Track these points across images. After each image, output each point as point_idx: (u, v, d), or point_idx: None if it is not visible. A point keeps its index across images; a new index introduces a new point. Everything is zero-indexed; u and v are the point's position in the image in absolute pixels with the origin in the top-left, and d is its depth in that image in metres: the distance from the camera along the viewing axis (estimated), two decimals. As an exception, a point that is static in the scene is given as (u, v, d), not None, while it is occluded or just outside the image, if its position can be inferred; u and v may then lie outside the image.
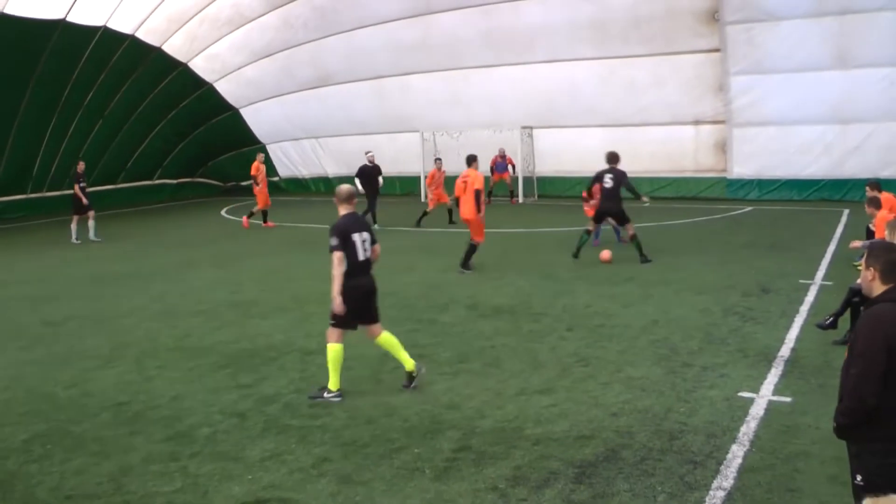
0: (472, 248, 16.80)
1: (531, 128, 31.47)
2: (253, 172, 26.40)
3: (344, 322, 9.32)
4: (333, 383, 9.19)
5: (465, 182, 16.55)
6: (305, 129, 36.86)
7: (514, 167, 30.97)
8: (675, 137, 28.87)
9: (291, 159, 38.30)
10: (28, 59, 27.97)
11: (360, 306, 9.36)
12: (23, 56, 27.57)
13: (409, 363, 9.42)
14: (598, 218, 17.90)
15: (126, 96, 33.22)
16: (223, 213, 31.61)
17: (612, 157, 17.81)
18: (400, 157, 34.48)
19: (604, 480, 6.78)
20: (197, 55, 33.78)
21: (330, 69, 34.00)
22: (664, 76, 28.47)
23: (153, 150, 37.63)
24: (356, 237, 9.29)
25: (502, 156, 30.51)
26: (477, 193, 16.30)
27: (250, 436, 8.14)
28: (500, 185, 30.94)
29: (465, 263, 16.72)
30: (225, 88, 36.06)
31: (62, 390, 9.88)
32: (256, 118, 37.65)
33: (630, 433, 7.76)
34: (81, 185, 24.13)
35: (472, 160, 16.73)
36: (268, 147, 38.77)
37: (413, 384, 9.35)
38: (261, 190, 25.94)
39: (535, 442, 7.64)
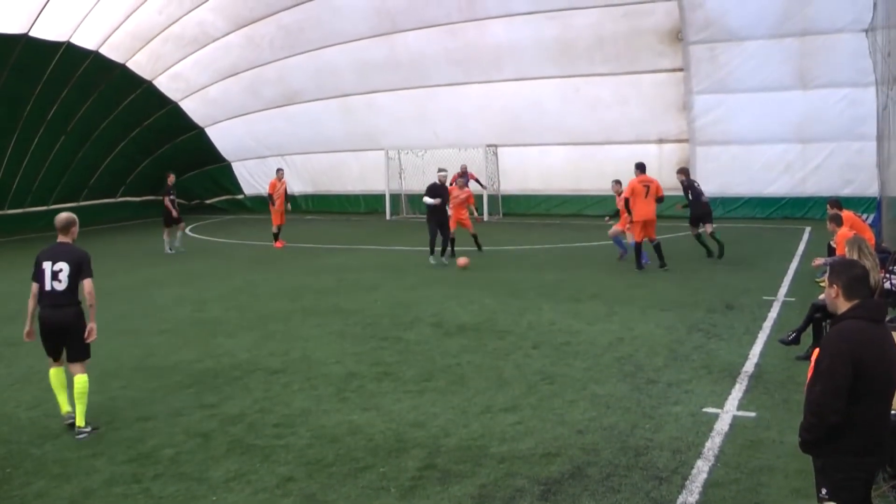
0: (658, 246, 18.28)
1: (496, 146, 31.51)
2: (269, 191, 25.82)
3: (45, 349, 9.16)
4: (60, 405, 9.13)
5: (646, 188, 18.65)
6: (271, 146, 36.70)
7: (480, 182, 30.95)
8: (638, 155, 28.89)
9: (257, 177, 38.07)
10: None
11: (46, 340, 9.07)
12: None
13: (80, 420, 8.89)
14: (697, 221, 19.81)
15: (89, 113, 32.86)
16: (187, 231, 31.37)
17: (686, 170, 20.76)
18: (366, 175, 34.53)
19: (570, 497, 6.77)
20: (161, 73, 33.55)
21: (296, 87, 33.91)
22: (628, 95, 28.65)
23: (117, 168, 37.24)
24: (46, 265, 8.95)
25: (463, 173, 30.46)
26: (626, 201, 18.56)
27: (214, 456, 8.06)
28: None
29: (663, 262, 18.17)
30: (190, 107, 35.84)
31: (23, 412, 9.73)
32: (222, 136, 37.44)
33: (596, 450, 7.76)
34: (171, 197, 24.49)
35: (640, 168, 19.24)
36: (233, 165, 38.60)
37: (77, 433, 8.85)
38: (276, 208, 25.32)
39: (501, 460, 7.61)
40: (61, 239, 9.20)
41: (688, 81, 27.74)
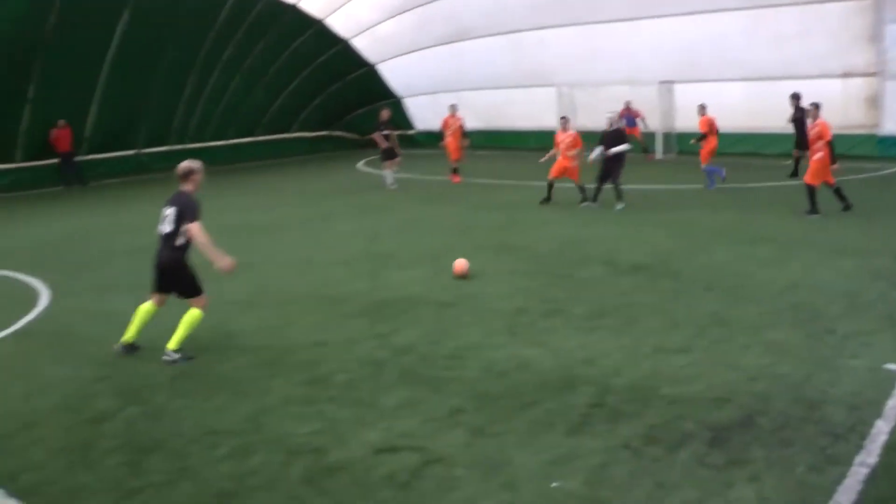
0: (839, 189, 17.42)
1: (671, 82, 30.61)
2: (442, 126, 26.10)
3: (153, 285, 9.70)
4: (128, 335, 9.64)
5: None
6: (441, 83, 36.84)
7: (644, 121, 30.44)
8: (821, 91, 27.48)
9: (426, 113, 38.41)
10: (168, 19, 28.80)
11: (155, 276, 9.63)
12: (161, 16, 28.41)
13: (173, 343, 9.39)
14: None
15: (263, 53, 33.93)
16: (359, 166, 32.05)
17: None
18: (536, 111, 34.26)
19: (739, 446, 6.61)
20: (332, 13, 34.12)
21: (466, 24, 33.85)
22: (811, 26, 26.94)
23: (290, 105, 38.37)
24: (164, 210, 9.47)
25: (629, 109, 29.84)
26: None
27: (385, 384, 8.30)
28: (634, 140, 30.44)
29: (847, 203, 17.32)
30: (361, 44, 36.38)
31: (204, 332, 10.24)
32: (392, 73, 37.90)
33: (767, 399, 7.53)
34: (384, 132, 24.59)
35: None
36: (404, 101, 39.05)
37: (165, 354, 9.36)
38: (448, 143, 25.63)
39: (671, 402, 7.52)
40: (181, 187, 9.65)
41: (878, 9, 25.95)
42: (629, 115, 29.78)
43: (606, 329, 9.86)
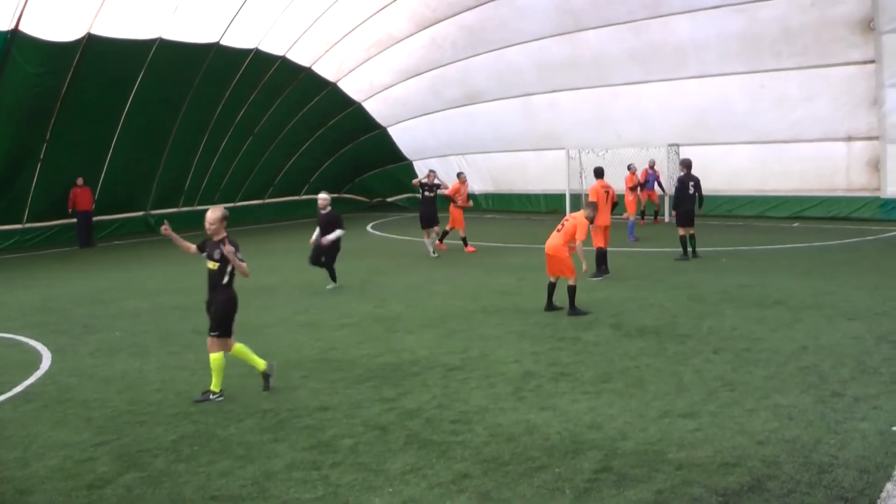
0: (605, 254, 18.59)
1: (678, 145, 30.76)
2: (450, 193, 24.82)
3: None
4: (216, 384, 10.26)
5: (606, 193, 18.86)
6: (451, 146, 37.18)
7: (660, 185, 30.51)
8: (825, 154, 27.78)
9: (438, 176, 38.61)
10: (183, 81, 29.29)
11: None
12: (179, 78, 28.93)
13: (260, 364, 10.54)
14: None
15: (276, 115, 34.39)
16: (369, 228, 32.18)
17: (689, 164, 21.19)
18: (547, 174, 34.51)
19: (749, 511, 6.56)
20: (346, 75, 34.60)
21: (477, 87, 34.27)
22: (816, 90, 27.39)
23: (301, 167, 38.77)
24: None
25: (652, 167, 29.76)
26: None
27: (392, 449, 8.25)
28: (650, 203, 30.41)
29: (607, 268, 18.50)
30: (373, 107, 36.80)
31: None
32: (403, 136, 38.26)
33: (777, 463, 7.48)
34: (427, 195, 23.96)
35: (600, 173, 19.33)
36: (414, 164, 39.31)
37: (270, 384, 10.48)
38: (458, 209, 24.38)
39: (678, 466, 7.48)
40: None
41: (879, 74, 26.21)
42: (652, 173, 29.69)
43: (613, 393, 9.83)
